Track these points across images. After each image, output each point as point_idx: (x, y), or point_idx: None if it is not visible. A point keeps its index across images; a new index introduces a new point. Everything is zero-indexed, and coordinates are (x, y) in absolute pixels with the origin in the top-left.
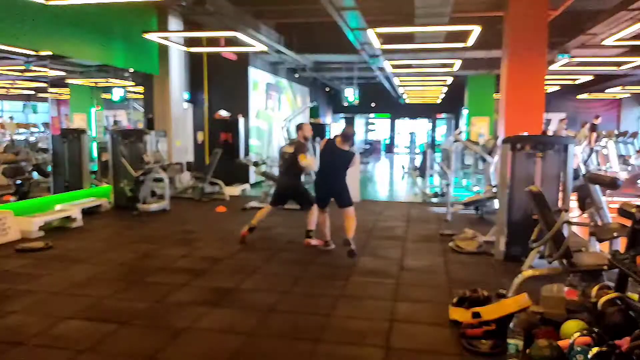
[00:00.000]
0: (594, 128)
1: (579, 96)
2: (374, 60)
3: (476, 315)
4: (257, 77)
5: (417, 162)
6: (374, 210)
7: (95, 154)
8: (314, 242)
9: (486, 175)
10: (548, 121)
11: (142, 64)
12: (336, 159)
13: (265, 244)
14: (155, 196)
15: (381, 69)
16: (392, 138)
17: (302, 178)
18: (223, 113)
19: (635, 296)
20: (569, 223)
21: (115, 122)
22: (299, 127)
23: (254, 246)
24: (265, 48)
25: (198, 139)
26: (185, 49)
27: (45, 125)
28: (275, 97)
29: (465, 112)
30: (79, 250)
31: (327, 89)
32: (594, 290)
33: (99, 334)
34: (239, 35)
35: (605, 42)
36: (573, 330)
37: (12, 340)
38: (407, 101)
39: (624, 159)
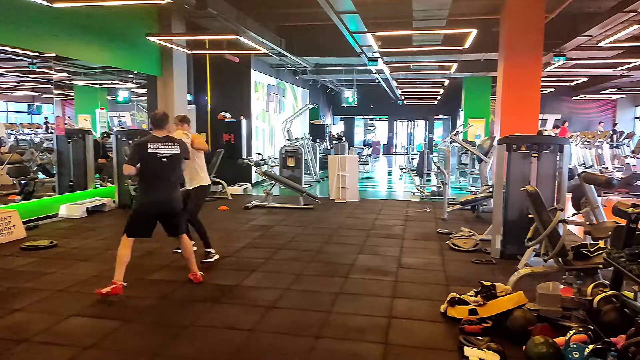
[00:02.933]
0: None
1: (575, 97)
2: (372, 62)
3: (473, 312)
4: (259, 79)
5: (415, 162)
6: (373, 209)
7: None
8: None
9: (482, 175)
10: (544, 122)
11: (145, 66)
12: None
13: (266, 242)
14: None
15: (380, 71)
16: (390, 139)
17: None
18: (226, 115)
19: (630, 294)
20: (564, 222)
21: (120, 123)
22: None
23: (255, 244)
24: (266, 50)
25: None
26: (187, 51)
27: (47, 125)
28: (277, 98)
29: (462, 113)
30: (83, 249)
31: (327, 91)
32: (590, 288)
33: (103, 331)
34: (241, 38)
35: (601, 44)
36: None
37: (17, 338)
38: (405, 103)
39: (619, 159)
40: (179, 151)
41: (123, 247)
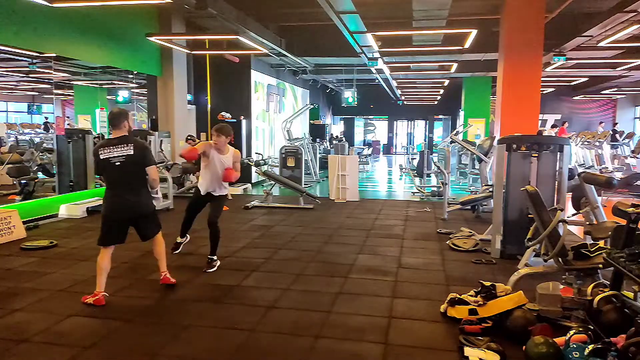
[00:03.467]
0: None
1: (575, 97)
2: (372, 62)
3: (473, 312)
4: (259, 79)
5: (415, 162)
6: (373, 209)
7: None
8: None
9: (482, 175)
10: (544, 122)
11: (145, 66)
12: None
13: (266, 242)
14: None
15: (380, 71)
16: (390, 139)
17: None
18: (226, 115)
19: (630, 294)
20: (564, 222)
21: None
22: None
23: (255, 244)
24: (266, 50)
25: (200, 139)
26: (187, 51)
27: (46, 125)
28: (277, 98)
29: (462, 113)
30: (83, 249)
31: (327, 91)
32: (590, 288)
33: (103, 331)
34: (241, 38)
35: (601, 44)
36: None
37: (17, 338)
38: (405, 103)
39: (619, 159)
40: (132, 152)
41: (101, 257)
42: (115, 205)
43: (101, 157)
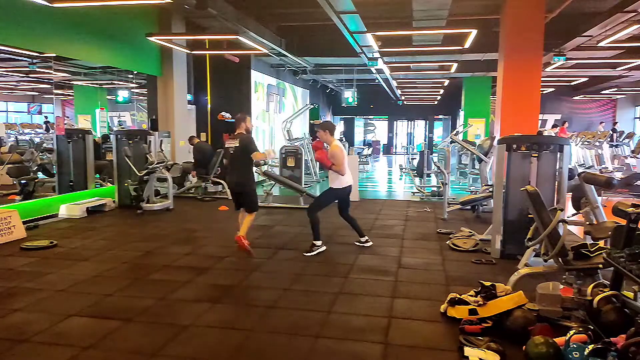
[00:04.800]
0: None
1: (575, 97)
2: (372, 62)
3: (473, 312)
4: (259, 79)
5: (415, 162)
6: (372, 209)
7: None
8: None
9: (482, 175)
10: (544, 122)
11: (145, 66)
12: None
13: (266, 242)
14: (159, 195)
15: (380, 71)
16: (390, 139)
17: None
18: (226, 115)
19: (630, 294)
20: (564, 222)
21: (120, 123)
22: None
23: (255, 244)
24: (266, 50)
25: (201, 139)
26: (187, 51)
27: (47, 125)
28: (277, 98)
29: (462, 113)
30: (83, 249)
31: (327, 91)
32: (590, 288)
33: (103, 331)
34: (241, 38)
35: (601, 44)
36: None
37: (17, 338)
38: (405, 103)
39: (619, 159)
40: (238, 144)
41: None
42: (229, 184)
43: (225, 146)
